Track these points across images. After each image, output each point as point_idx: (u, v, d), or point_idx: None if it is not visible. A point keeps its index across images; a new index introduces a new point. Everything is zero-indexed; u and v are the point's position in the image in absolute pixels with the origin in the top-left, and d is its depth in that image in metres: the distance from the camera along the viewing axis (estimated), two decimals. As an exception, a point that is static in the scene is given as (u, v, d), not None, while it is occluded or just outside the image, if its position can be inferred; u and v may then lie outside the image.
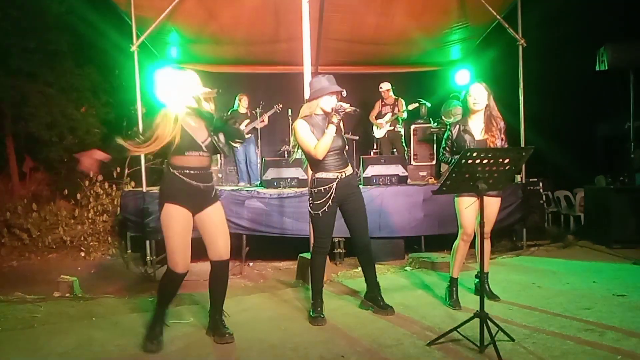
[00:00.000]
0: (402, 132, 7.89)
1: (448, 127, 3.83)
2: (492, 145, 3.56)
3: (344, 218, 3.56)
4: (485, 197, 3.56)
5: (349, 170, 3.49)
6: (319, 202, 3.40)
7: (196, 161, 2.91)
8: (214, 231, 3.01)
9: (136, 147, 2.86)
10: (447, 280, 3.80)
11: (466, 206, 3.56)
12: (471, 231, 3.63)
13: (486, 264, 3.73)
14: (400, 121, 7.83)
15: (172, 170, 2.89)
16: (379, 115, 7.91)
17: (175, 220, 2.85)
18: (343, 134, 3.54)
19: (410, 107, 7.70)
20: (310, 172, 3.56)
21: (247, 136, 7.86)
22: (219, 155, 7.78)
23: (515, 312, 3.49)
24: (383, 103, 7.93)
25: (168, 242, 2.87)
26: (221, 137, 3.05)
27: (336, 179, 3.41)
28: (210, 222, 3.00)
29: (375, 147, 8.22)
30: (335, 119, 3.31)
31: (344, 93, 3.46)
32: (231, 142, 3.15)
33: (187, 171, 2.89)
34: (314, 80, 3.50)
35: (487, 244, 3.80)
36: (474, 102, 3.63)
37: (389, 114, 7.81)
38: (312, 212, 3.45)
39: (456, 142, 3.69)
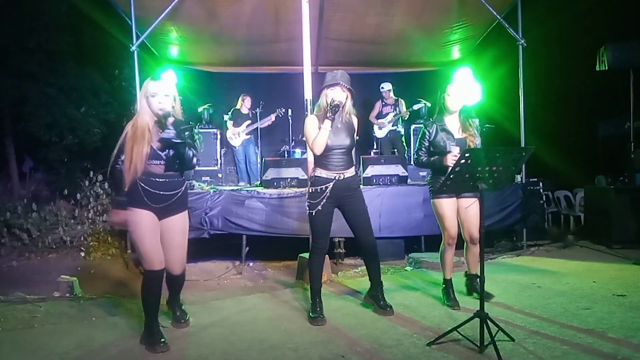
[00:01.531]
0: (403, 132, 7.90)
1: (422, 127, 3.74)
2: (471, 145, 3.54)
3: (345, 219, 3.54)
4: (461, 200, 3.56)
5: (350, 172, 3.44)
6: (314, 201, 3.39)
7: (158, 169, 2.92)
8: (170, 244, 3.01)
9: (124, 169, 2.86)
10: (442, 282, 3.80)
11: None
12: (454, 233, 3.61)
13: (475, 266, 3.74)
14: (401, 121, 7.85)
15: (135, 178, 2.88)
16: (380, 115, 7.92)
17: (140, 224, 2.88)
18: (355, 134, 3.50)
19: (416, 107, 7.70)
20: (308, 171, 3.54)
21: (246, 137, 7.88)
22: (218, 155, 7.91)
23: (515, 312, 3.48)
24: (383, 103, 7.94)
25: (139, 244, 2.91)
26: (171, 153, 2.94)
27: (333, 179, 3.38)
28: (169, 233, 3.01)
29: (375, 147, 8.22)
30: (329, 114, 3.28)
31: (337, 88, 3.36)
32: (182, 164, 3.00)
33: (150, 178, 2.90)
34: (326, 74, 3.48)
35: (476, 249, 3.67)
36: (451, 102, 3.60)
37: (391, 114, 7.82)
38: (308, 210, 3.44)
39: (434, 142, 3.61)
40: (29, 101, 9.26)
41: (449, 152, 3.51)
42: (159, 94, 2.88)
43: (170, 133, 2.84)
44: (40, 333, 3.36)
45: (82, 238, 6.96)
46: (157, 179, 2.91)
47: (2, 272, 5.99)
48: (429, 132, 3.66)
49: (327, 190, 3.37)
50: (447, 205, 3.58)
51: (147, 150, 2.85)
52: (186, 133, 2.86)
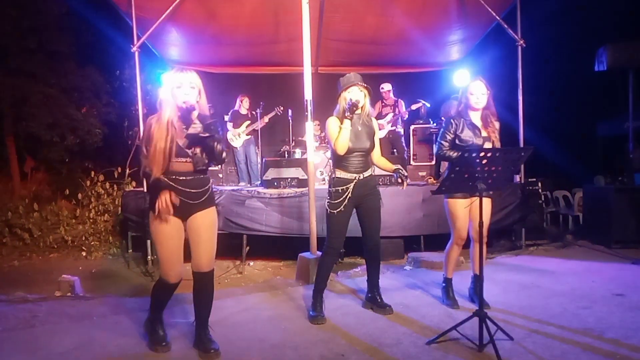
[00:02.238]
0: (402, 133, 7.92)
1: (449, 121, 3.59)
2: (495, 142, 3.50)
3: (358, 217, 3.56)
4: (474, 198, 3.54)
5: (367, 173, 3.48)
6: (336, 201, 3.41)
7: (183, 167, 2.74)
8: (197, 239, 2.82)
9: (148, 164, 2.69)
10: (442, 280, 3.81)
11: (465, 206, 3.53)
12: (465, 234, 3.58)
13: (477, 266, 3.68)
14: (401, 121, 7.87)
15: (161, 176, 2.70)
16: (379, 116, 7.94)
17: (163, 229, 2.73)
18: (375, 136, 3.52)
19: (414, 106, 7.72)
20: (308, 171, 3.55)
21: (246, 137, 7.89)
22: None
23: (515, 311, 3.49)
24: (383, 104, 7.95)
25: (160, 252, 2.81)
26: (197, 150, 2.76)
27: (354, 179, 3.41)
28: (196, 230, 2.81)
29: None
30: (347, 113, 3.30)
31: (354, 88, 3.41)
32: (209, 160, 2.81)
33: (174, 177, 2.72)
34: (339, 80, 3.51)
35: (478, 248, 3.69)
36: (476, 100, 3.50)
37: (390, 115, 7.83)
38: (328, 210, 3.45)
39: (461, 136, 3.51)
40: (30, 101, 9.29)
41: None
42: (185, 85, 2.71)
43: (197, 128, 2.67)
44: (41, 333, 3.37)
45: (84, 238, 6.99)
46: (184, 177, 2.73)
47: (4, 272, 6.01)
48: (455, 124, 3.53)
49: (349, 191, 3.40)
50: (461, 206, 3.53)
51: (170, 147, 2.66)
52: (212, 127, 2.71)
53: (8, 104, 9.37)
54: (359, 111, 3.39)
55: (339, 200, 3.40)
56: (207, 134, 2.68)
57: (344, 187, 3.41)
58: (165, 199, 2.63)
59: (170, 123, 2.69)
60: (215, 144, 2.70)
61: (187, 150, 2.73)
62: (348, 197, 3.40)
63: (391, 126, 7.86)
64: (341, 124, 3.36)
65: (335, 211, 3.41)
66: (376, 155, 3.59)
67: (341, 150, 3.35)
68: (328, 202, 3.46)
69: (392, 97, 7.90)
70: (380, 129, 7.87)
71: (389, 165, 3.56)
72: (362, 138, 3.43)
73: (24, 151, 10.32)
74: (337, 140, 3.34)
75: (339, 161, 3.45)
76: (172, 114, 2.72)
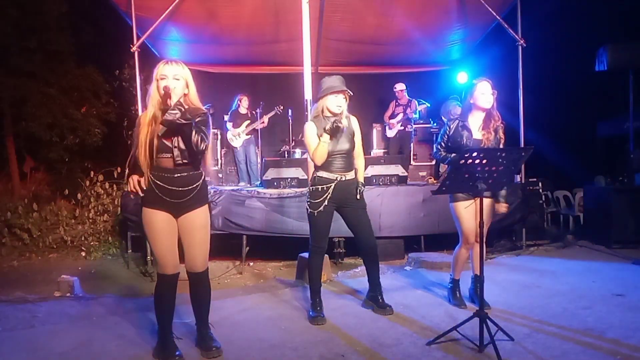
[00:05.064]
0: (413, 133, 7.91)
1: (445, 123, 3.73)
2: (487, 144, 3.47)
3: (345, 221, 3.56)
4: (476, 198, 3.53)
5: (350, 175, 3.48)
6: (316, 200, 3.41)
7: (168, 163, 2.66)
8: (190, 241, 2.77)
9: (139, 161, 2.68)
10: (448, 280, 3.81)
11: (466, 206, 3.52)
12: (473, 238, 3.54)
13: (477, 267, 3.64)
14: (412, 121, 7.86)
15: (148, 173, 2.68)
16: (392, 116, 7.95)
17: (155, 226, 2.69)
18: (355, 137, 3.51)
19: (420, 107, 7.73)
20: (308, 171, 3.55)
21: (246, 137, 7.88)
22: (218, 155, 7.91)
23: (515, 311, 3.49)
24: (397, 103, 7.95)
25: (153, 247, 2.76)
26: (178, 142, 2.66)
27: (335, 179, 3.41)
28: (188, 231, 2.76)
29: (384, 146, 8.26)
30: (330, 133, 3.29)
31: (341, 94, 3.39)
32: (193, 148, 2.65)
33: (161, 174, 2.66)
34: (323, 80, 3.49)
35: (477, 248, 3.58)
36: (488, 100, 3.47)
37: (401, 115, 7.85)
38: (309, 210, 3.46)
39: (452, 138, 3.55)
40: (29, 101, 9.29)
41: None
42: (169, 77, 2.62)
43: (175, 114, 2.51)
44: (40, 333, 3.36)
45: (83, 238, 6.97)
46: (169, 174, 2.66)
47: (3, 272, 6.00)
48: (449, 127, 3.59)
49: (330, 190, 3.40)
50: (465, 208, 3.51)
51: (151, 141, 2.61)
52: (197, 119, 2.63)
53: (8, 104, 9.37)
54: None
55: (318, 200, 3.40)
56: (183, 121, 2.54)
57: (324, 186, 3.40)
58: (133, 182, 2.72)
59: (153, 118, 2.64)
60: (193, 132, 2.58)
61: (170, 145, 2.65)
62: (328, 197, 3.40)
63: (400, 126, 7.87)
64: (318, 132, 3.34)
65: (315, 211, 3.41)
66: (355, 154, 3.56)
67: (319, 161, 3.38)
68: (308, 201, 3.46)
69: (406, 96, 7.89)
70: (390, 128, 7.92)
71: (359, 173, 3.58)
72: (342, 140, 3.41)
73: (24, 151, 10.31)
74: (316, 153, 3.35)
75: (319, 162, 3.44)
76: (156, 108, 2.66)
